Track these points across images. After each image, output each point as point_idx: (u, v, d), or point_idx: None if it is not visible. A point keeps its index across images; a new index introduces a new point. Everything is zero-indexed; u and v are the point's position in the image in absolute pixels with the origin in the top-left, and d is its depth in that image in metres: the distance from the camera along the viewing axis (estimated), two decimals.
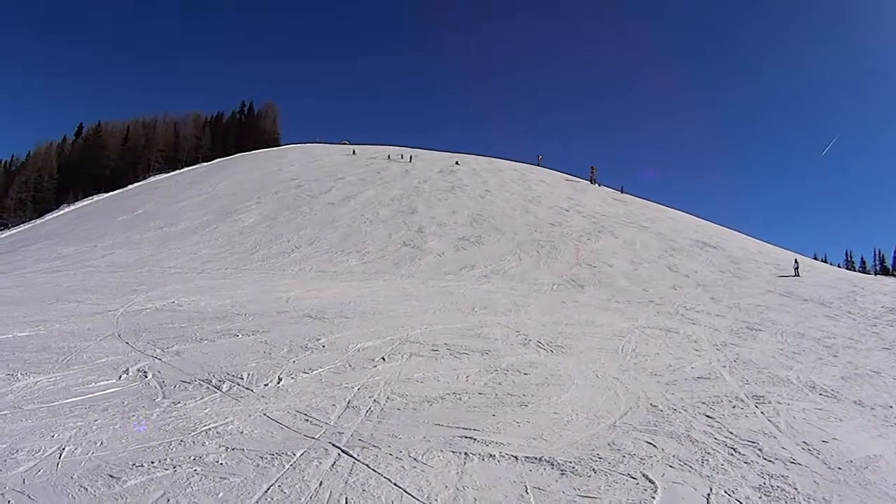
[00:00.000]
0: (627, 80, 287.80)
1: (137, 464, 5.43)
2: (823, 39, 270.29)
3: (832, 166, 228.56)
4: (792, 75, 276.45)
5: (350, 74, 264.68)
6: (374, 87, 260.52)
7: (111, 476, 5.20)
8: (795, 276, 25.38)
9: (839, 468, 6.07)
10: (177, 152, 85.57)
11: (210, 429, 6.41)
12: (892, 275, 67.08)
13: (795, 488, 5.52)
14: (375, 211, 36.26)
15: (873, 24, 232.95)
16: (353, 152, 64.24)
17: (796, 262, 26.89)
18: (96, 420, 6.59)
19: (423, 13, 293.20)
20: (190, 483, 5.11)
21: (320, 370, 9.01)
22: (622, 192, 48.26)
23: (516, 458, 5.88)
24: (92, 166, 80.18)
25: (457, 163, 54.36)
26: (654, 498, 5.20)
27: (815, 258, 52.38)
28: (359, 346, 10.69)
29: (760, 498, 5.31)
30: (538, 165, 59.71)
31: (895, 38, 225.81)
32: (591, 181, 51.98)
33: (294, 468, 5.45)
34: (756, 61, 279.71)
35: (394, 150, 64.48)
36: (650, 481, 5.48)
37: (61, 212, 60.79)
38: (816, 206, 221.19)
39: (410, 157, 57.75)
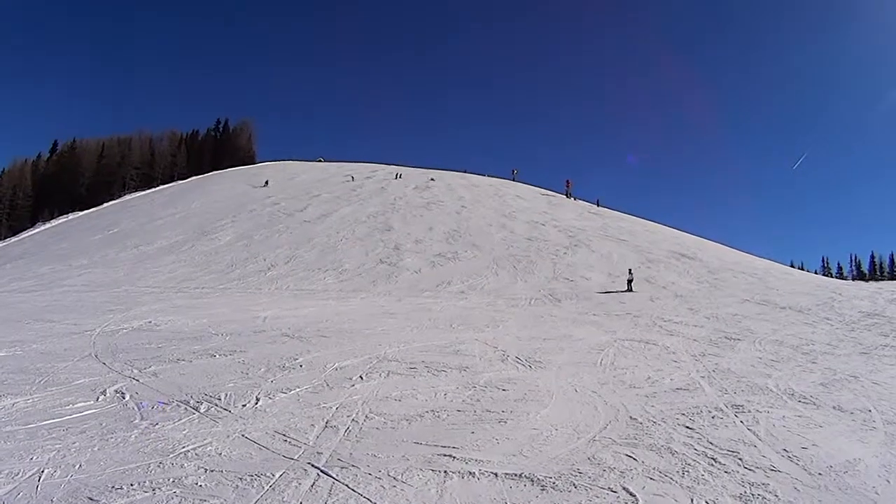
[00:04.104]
0: (601, 93, 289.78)
1: (117, 486, 5.39)
2: (796, 44, 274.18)
3: (806, 174, 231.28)
4: (764, 82, 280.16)
5: (324, 92, 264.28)
6: (347, 104, 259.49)
7: (91, 499, 5.16)
8: (628, 290, 23.43)
9: (819, 474, 6.13)
10: (152, 170, 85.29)
11: (189, 450, 6.36)
12: (869, 280, 67.89)
13: (776, 495, 5.57)
14: (352, 228, 36.17)
15: (846, 29, 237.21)
16: (266, 183, 58.13)
17: (630, 272, 24.63)
18: (74, 442, 6.54)
19: (394, 28, 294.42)
20: None
21: (298, 390, 8.96)
22: (598, 206, 48.46)
23: (496, 474, 5.88)
24: (67, 184, 79.80)
25: (432, 179, 54.44)
26: None
27: (792, 265, 53.06)
28: (336, 364, 10.64)
29: None
30: (513, 180, 59.89)
31: (869, 44, 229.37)
32: (566, 195, 52.13)
33: (273, 489, 5.42)
34: (726, 70, 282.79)
35: (383, 168, 64.36)
36: (631, 494, 5.50)
37: (36, 230, 60.40)
38: (792, 214, 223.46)
39: (398, 175, 57.84)
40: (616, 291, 23.39)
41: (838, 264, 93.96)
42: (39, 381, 9.14)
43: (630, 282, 23.84)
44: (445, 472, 5.93)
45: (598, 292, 23.15)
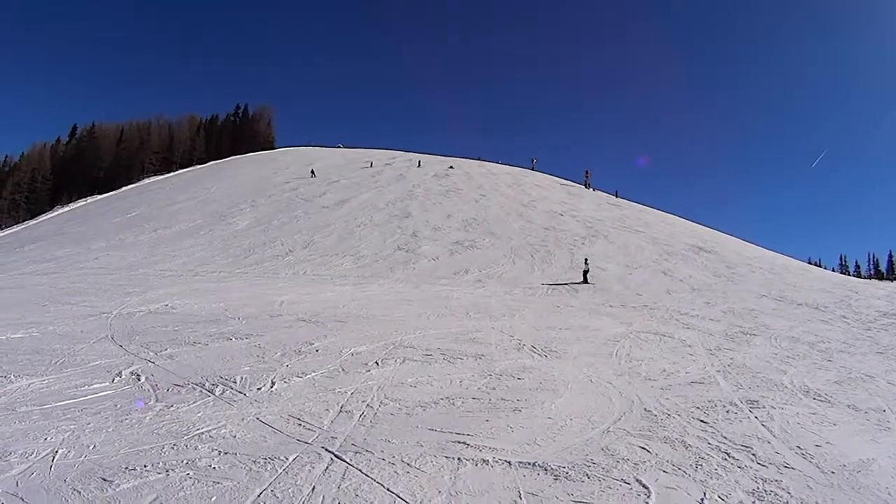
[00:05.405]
0: (623, 84, 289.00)
1: (130, 467, 5.41)
2: (814, 42, 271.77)
3: (825, 171, 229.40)
4: (785, 80, 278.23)
5: (344, 78, 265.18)
6: (368, 91, 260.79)
7: (104, 479, 5.18)
8: (584, 282, 22.87)
9: (832, 472, 6.07)
10: (171, 154, 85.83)
11: (203, 433, 6.39)
12: (887, 279, 67.34)
13: (789, 492, 5.52)
14: (370, 215, 36.20)
15: (865, 28, 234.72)
16: (312, 173, 54.41)
17: (586, 262, 23.99)
18: (89, 423, 6.58)
19: (418, 17, 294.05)
20: (183, 487, 5.10)
21: (314, 374, 8.98)
22: (617, 197, 48.17)
23: (510, 463, 5.87)
24: (86, 168, 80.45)
25: (451, 167, 54.41)
26: (647, 503, 5.19)
27: (810, 262, 52.61)
28: (352, 350, 10.65)
29: (753, 502, 5.30)
30: (532, 169, 59.74)
31: (886, 41, 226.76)
32: (585, 185, 51.90)
33: (287, 473, 5.43)
34: (750, 66, 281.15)
35: (402, 155, 64.44)
36: (644, 486, 5.47)
37: (55, 213, 60.86)
38: (810, 211, 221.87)
39: (419, 162, 57.89)
40: (570, 283, 22.99)
41: (856, 262, 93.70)
42: (55, 363, 9.21)
43: (586, 272, 23.47)
44: (459, 459, 5.92)
45: (548, 284, 22.83)
